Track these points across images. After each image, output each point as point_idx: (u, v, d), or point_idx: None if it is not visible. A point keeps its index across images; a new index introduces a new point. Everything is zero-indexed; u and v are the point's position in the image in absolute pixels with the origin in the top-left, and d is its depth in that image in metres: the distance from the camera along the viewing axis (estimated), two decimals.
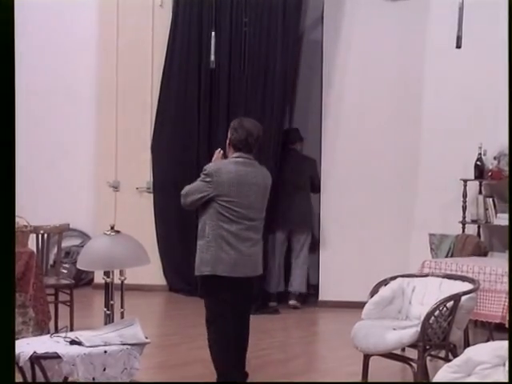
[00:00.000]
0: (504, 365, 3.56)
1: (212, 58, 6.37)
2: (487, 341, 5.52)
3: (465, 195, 7.19)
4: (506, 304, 5.81)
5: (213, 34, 7.13)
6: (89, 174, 8.63)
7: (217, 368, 4.81)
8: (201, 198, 4.80)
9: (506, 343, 3.72)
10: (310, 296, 8.20)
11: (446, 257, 6.85)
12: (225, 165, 4.89)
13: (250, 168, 4.90)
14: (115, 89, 8.43)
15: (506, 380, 3.42)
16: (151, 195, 8.45)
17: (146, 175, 8.49)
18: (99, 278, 5.58)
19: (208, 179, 4.80)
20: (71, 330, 4.95)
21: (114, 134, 8.48)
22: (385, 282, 5.39)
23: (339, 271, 7.80)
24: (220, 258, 4.74)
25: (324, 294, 7.86)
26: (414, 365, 4.92)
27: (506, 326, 5.78)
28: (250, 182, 4.86)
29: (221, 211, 4.78)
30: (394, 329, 4.97)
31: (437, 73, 7.54)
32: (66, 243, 7.93)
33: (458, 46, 4.46)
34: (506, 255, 6.57)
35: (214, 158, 5.03)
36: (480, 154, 7.17)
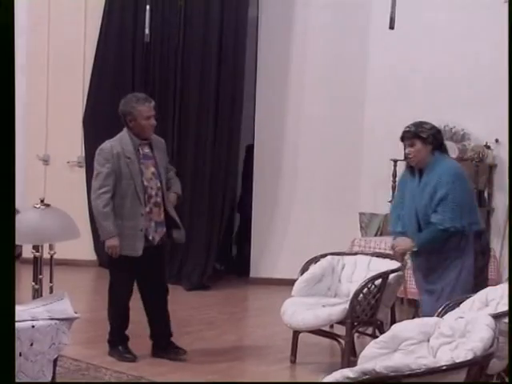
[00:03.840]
0: (428, 340, 3.66)
1: (146, 31, 6.29)
2: (413, 318, 5.65)
3: (394, 175, 7.30)
4: None
5: (147, 7, 7.02)
6: (18, 146, 8.33)
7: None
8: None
9: (429, 320, 3.83)
10: (241, 273, 8.25)
11: (375, 235, 6.99)
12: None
13: None
14: (46, 60, 8.26)
15: (430, 355, 3.53)
16: (82, 170, 8.33)
17: (77, 149, 8.36)
18: (27, 252, 5.49)
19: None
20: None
21: (44, 107, 8.32)
22: (315, 260, 5.47)
23: (270, 249, 7.85)
24: None
25: (255, 271, 7.91)
26: (341, 341, 5.02)
27: None
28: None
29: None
30: (324, 306, 5.05)
31: (369, 49, 7.60)
32: None
33: (391, 27, 4.52)
34: None
35: None
36: None
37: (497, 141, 6.98)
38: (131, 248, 4.97)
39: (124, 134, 5.08)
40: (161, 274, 5.24)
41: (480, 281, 4.59)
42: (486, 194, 7.06)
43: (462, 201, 4.52)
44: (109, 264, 5.27)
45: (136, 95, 5.19)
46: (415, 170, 4.74)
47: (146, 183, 5.02)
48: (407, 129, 4.71)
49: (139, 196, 4.97)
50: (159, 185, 5.07)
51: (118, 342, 5.19)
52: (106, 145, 5.07)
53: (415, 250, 4.67)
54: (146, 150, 5.09)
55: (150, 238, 5.03)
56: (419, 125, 4.70)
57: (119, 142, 5.05)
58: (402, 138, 4.73)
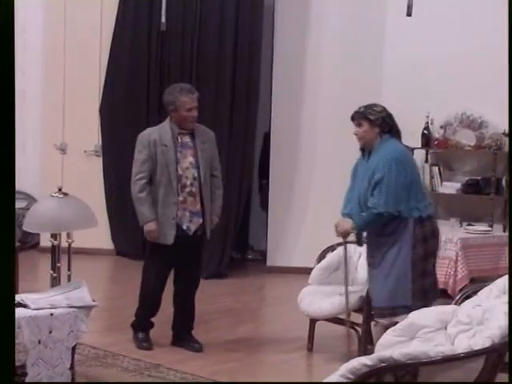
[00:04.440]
0: (445, 328, 3.65)
1: (163, 19, 6.30)
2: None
3: None
4: (449, 270, 5.95)
5: None
6: (35, 136, 8.49)
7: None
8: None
9: (447, 308, 3.82)
10: (258, 261, 8.27)
11: None
12: None
13: None
14: (63, 49, 8.28)
15: (447, 343, 3.52)
16: (99, 159, 8.37)
17: (94, 138, 8.39)
18: (45, 241, 5.53)
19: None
20: (16, 292, 4.90)
21: (61, 96, 8.34)
22: (332, 248, 5.46)
23: (287, 237, 7.85)
24: None
25: (272, 260, 7.91)
26: (358, 329, 5.02)
27: (449, 291, 5.93)
28: None
29: None
30: (340, 294, 5.04)
31: (385, 37, 7.56)
32: None
33: (409, 14, 4.51)
34: (450, 223, 6.71)
35: None
36: (427, 123, 7.27)
37: None
38: (162, 236, 4.99)
39: (166, 122, 5.08)
40: (194, 266, 5.19)
41: (422, 268, 4.54)
42: (503, 182, 7.01)
43: (397, 185, 4.46)
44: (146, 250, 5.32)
45: (181, 85, 5.13)
46: (366, 152, 4.72)
47: (180, 172, 4.99)
48: (357, 109, 4.71)
49: (173, 184, 4.96)
50: (196, 175, 5.02)
51: (140, 328, 5.21)
52: (145, 132, 5.10)
53: (355, 231, 4.68)
54: (187, 139, 5.05)
55: (185, 227, 5.01)
56: (370, 107, 4.70)
57: (158, 130, 5.07)
58: (352, 118, 4.72)
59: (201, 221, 5.06)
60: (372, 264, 4.70)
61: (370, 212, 4.52)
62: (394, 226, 4.53)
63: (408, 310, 4.50)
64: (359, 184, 4.66)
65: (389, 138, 4.64)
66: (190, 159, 5.02)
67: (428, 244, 4.58)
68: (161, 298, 5.19)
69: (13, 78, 3.07)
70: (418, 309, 4.53)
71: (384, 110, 4.70)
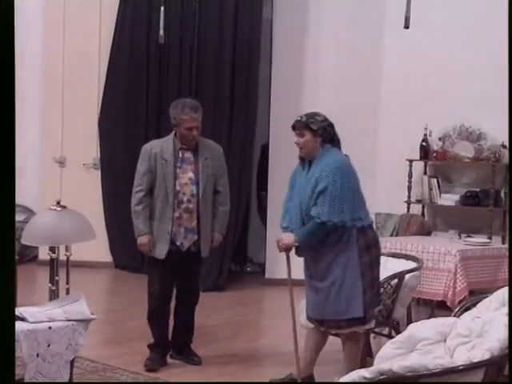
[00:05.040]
0: (445, 341, 3.65)
1: (161, 32, 6.30)
2: (429, 318, 5.62)
3: (410, 175, 7.29)
4: (448, 282, 5.94)
5: (162, 8, 7.06)
6: (34, 149, 8.50)
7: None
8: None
9: (446, 320, 3.81)
10: (256, 274, 8.26)
11: (391, 236, 6.97)
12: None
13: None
14: (61, 62, 8.31)
15: (447, 355, 3.51)
16: (98, 172, 8.38)
17: (92, 151, 8.40)
18: (44, 254, 5.51)
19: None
20: (14, 306, 4.88)
21: (60, 109, 8.37)
22: None
23: None
24: None
25: (270, 272, 7.90)
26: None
27: (448, 304, 5.91)
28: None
29: None
30: None
31: (384, 49, 7.60)
32: None
33: (406, 27, 4.50)
34: (449, 235, 6.71)
35: None
36: (425, 135, 7.28)
37: None
38: (155, 250, 4.98)
39: (170, 135, 5.04)
40: (191, 282, 5.16)
41: (370, 278, 4.49)
42: (502, 194, 7.02)
43: (342, 195, 4.40)
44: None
45: (185, 102, 5.02)
46: (305, 162, 4.66)
47: (178, 188, 4.93)
48: (299, 118, 4.63)
49: (169, 199, 4.92)
50: (195, 192, 4.97)
51: (153, 344, 5.15)
52: (148, 144, 5.08)
53: (297, 245, 4.57)
54: (188, 154, 4.99)
55: (178, 243, 4.98)
56: (311, 116, 4.62)
57: (161, 143, 5.03)
58: (293, 127, 4.67)
59: (196, 237, 5.02)
60: (314, 275, 4.61)
61: (314, 222, 4.43)
62: (337, 235, 4.45)
63: (362, 321, 4.48)
64: (300, 194, 4.56)
65: (330, 148, 4.57)
66: (190, 175, 4.96)
67: (372, 253, 4.54)
68: (167, 311, 5.14)
69: (13, 79, 3.06)
70: (371, 318, 4.54)
71: (325, 119, 4.63)
